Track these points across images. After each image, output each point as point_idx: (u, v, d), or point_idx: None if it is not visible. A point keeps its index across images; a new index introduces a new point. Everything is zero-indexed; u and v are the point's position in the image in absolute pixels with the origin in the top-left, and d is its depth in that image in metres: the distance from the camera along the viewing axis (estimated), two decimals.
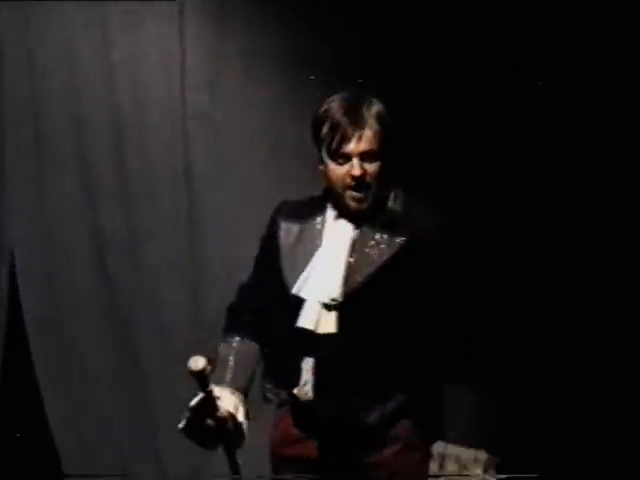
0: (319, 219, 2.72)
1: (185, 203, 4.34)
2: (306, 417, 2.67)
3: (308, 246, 2.69)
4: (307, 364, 2.65)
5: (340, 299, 2.61)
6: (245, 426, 2.70)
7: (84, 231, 4.33)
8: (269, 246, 2.77)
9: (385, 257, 2.62)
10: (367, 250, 2.64)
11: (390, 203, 2.70)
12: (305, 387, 2.65)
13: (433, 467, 2.69)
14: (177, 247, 4.35)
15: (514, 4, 4.05)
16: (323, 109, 2.65)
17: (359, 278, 2.62)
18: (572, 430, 4.00)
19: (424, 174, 3.79)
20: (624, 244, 4.10)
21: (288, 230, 2.73)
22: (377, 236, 2.65)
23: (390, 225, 2.66)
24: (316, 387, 2.63)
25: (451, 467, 2.67)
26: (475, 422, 2.72)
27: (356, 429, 2.63)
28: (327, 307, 2.62)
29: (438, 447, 2.68)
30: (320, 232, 2.71)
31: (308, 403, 2.65)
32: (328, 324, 2.61)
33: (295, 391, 2.65)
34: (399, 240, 2.63)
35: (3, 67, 4.21)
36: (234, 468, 2.68)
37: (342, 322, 2.61)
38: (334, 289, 2.62)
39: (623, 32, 4.01)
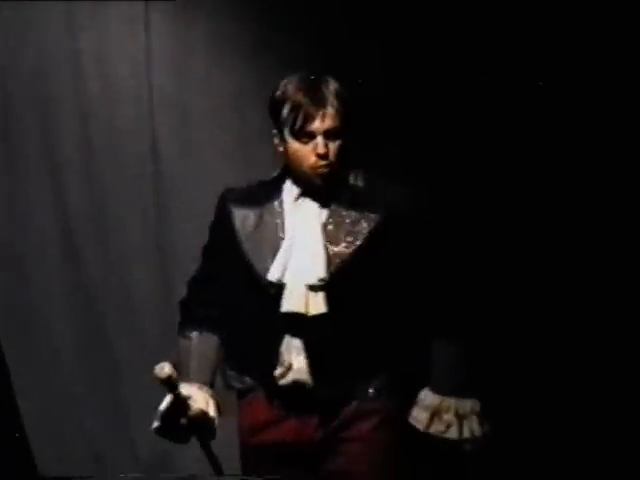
0: (277, 201, 2.74)
1: (151, 187, 4.34)
2: (284, 399, 2.70)
3: (271, 230, 2.71)
4: (288, 347, 2.67)
5: (327, 279, 2.63)
6: (217, 420, 2.76)
7: (51, 213, 4.33)
8: (222, 234, 2.78)
9: (363, 234, 2.66)
10: (343, 228, 2.67)
11: (352, 179, 2.74)
12: (288, 371, 2.67)
13: (425, 416, 2.71)
14: (144, 230, 4.35)
15: (514, 4, 4.05)
16: (280, 91, 2.68)
17: (341, 256, 2.65)
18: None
19: (425, 174, 3.83)
20: (622, 241, 4.08)
21: (244, 216, 2.74)
22: (351, 213, 2.68)
23: (360, 201, 2.70)
24: (311, 369, 2.66)
25: (445, 415, 2.71)
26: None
27: (340, 406, 2.68)
28: (313, 288, 2.64)
29: (434, 400, 2.70)
30: (281, 214, 2.73)
31: (291, 385, 2.67)
32: (317, 305, 2.64)
33: (277, 373, 2.67)
34: (374, 215, 2.68)
35: None
36: (212, 461, 2.72)
37: (329, 301, 2.63)
38: (319, 269, 2.64)
39: (623, 32, 4.00)
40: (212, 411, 2.76)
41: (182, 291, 4.16)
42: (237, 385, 2.78)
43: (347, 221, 2.69)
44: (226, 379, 2.80)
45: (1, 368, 4.27)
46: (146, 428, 4.15)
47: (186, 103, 4.31)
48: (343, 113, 2.65)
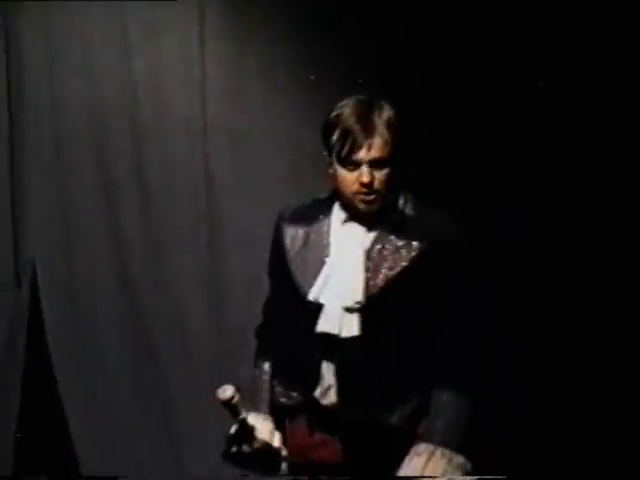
0: (325, 221, 2.75)
1: (205, 214, 4.34)
2: (326, 420, 2.69)
3: (316, 249, 2.72)
4: (328, 367, 2.67)
5: (364, 302, 2.63)
6: (284, 452, 2.77)
7: (105, 242, 4.33)
8: (276, 253, 2.81)
9: (404, 261, 2.66)
10: (385, 254, 2.67)
11: (400, 205, 2.73)
12: (328, 391, 2.67)
13: (420, 462, 2.65)
14: (197, 257, 4.35)
15: (515, 4, 4.04)
16: (334, 114, 2.67)
17: (379, 282, 2.65)
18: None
19: (425, 175, 3.79)
20: (630, 243, 4.09)
21: (294, 234, 2.76)
22: (394, 240, 2.68)
23: (405, 229, 2.69)
24: (339, 390, 2.66)
25: (439, 461, 2.64)
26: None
27: (377, 430, 2.66)
28: (349, 310, 2.64)
29: (428, 447, 2.65)
30: (327, 234, 2.74)
31: (329, 406, 2.67)
32: (351, 327, 2.64)
33: (317, 394, 2.68)
34: (416, 244, 2.67)
35: (24, 77, 4.22)
36: None
37: (363, 325, 2.64)
38: (356, 292, 2.64)
39: (624, 32, 3.99)
40: (277, 442, 2.77)
41: (235, 318, 4.23)
42: (285, 401, 2.77)
43: (390, 248, 2.68)
44: (274, 396, 2.80)
45: (54, 396, 4.26)
46: (196, 454, 4.21)
47: (240, 128, 4.30)
48: (392, 143, 2.64)
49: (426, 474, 2.60)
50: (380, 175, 2.63)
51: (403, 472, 2.63)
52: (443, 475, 2.61)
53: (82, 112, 4.30)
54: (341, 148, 2.63)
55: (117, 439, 4.34)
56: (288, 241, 2.76)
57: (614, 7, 3.98)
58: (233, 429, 2.72)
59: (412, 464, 2.63)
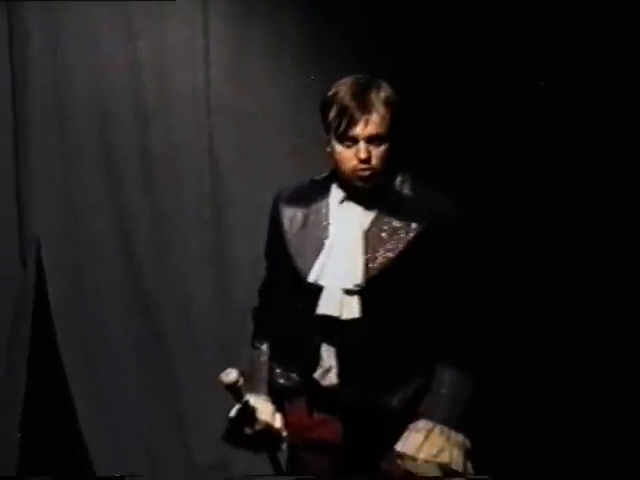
0: (324, 202, 2.75)
1: (210, 193, 4.36)
2: (326, 401, 2.69)
3: (315, 231, 2.72)
4: (328, 349, 2.67)
5: (363, 284, 2.63)
6: (284, 433, 2.78)
7: (110, 221, 4.34)
8: (274, 235, 2.80)
9: (403, 242, 2.66)
10: (384, 235, 2.67)
11: (398, 185, 2.73)
12: (328, 373, 2.67)
13: (418, 439, 2.63)
14: (201, 237, 4.37)
15: (515, 4, 4.04)
16: (332, 92, 2.68)
17: (378, 263, 2.65)
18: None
19: (432, 174, 3.80)
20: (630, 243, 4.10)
21: (292, 216, 2.76)
22: (393, 221, 2.68)
23: (403, 210, 2.69)
24: (339, 372, 2.66)
25: (437, 439, 2.63)
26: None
27: (378, 412, 2.66)
28: (349, 293, 2.64)
29: (427, 424, 2.64)
30: (326, 215, 2.73)
31: (330, 388, 2.68)
32: (351, 309, 2.64)
33: (316, 376, 2.68)
34: (415, 225, 2.67)
35: (28, 55, 4.22)
36: (277, 469, 2.78)
37: (363, 307, 2.64)
38: (356, 274, 2.64)
39: (623, 32, 4.00)
40: (278, 423, 2.78)
41: (241, 299, 4.23)
42: (283, 382, 2.77)
43: (388, 229, 2.68)
44: (272, 376, 2.79)
45: (60, 376, 4.28)
46: (203, 436, 4.22)
47: (244, 108, 4.32)
48: (389, 120, 2.64)
49: (423, 451, 2.60)
50: (377, 152, 2.64)
51: (400, 448, 2.62)
52: (440, 452, 2.60)
53: (87, 93, 4.30)
54: (338, 125, 2.63)
55: (122, 419, 4.35)
56: (286, 222, 2.76)
57: (614, 7, 3.98)
58: (234, 411, 2.73)
59: (409, 441, 2.62)
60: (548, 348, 4.11)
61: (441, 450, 2.60)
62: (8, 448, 4.18)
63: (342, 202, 2.72)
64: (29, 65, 4.21)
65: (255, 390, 2.76)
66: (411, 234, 2.66)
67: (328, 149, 2.72)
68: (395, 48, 4.13)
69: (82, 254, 4.34)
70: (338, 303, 2.64)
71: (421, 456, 2.60)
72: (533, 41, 4.07)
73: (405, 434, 2.65)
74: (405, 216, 2.67)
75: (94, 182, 4.32)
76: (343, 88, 2.66)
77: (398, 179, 2.74)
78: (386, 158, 2.65)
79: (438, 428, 2.63)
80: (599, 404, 4.06)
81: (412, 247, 2.65)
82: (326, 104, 2.68)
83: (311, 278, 2.66)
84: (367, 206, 2.70)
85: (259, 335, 2.88)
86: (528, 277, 4.09)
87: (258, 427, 2.72)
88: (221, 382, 2.61)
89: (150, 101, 4.33)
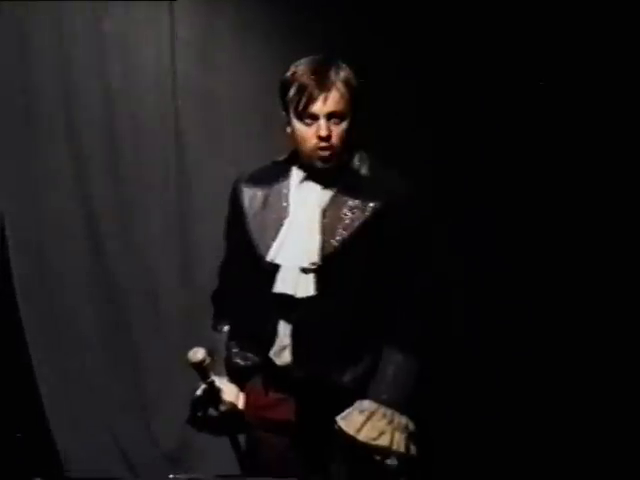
0: (284, 183, 2.76)
1: (175, 174, 4.35)
2: (281, 380, 2.71)
3: (275, 211, 2.73)
4: (285, 328, 2.69)
5: (319, 263, 2.65)
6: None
7: (74, 202, 4.33)
8: (234, 215, 2.82)
9: (359, 221, 2.67)
10: (340, 214, 2.68)
11: (356, 165, 2.74)
12: (283, 351, 2.69)
13: (359, 419, 2.64)
14: (166, 217, 4.37)
15: (515, 4, 4.05)
16: (290, 72, 2.69)
17: (334, 242, 2.66)
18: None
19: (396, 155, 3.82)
20: (622, 240, 4.10)
21: (252, 196, 2.77)
22: (350, 201, 2.69)
23: (361, 189, 2.70)
24: (293, 350, 2.67)
25: (379, 422, 2.65)
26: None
27: (330, 390, 2.67)
28: (305, 271, 2.66)
29: (371, 405, 2.65)
30: (287, 196, 2.75)
31: (284, 366, 2.69)
32: (306, 288, 2.66)
33: (272, 354, 2.69)
34: (372, 205, 2.68)
35: None
36: (238, 452, 2.78)
37: (319, 285, 2.65)
38: (312, 253, 2.66)
39: (623, 32, 4.00)
40: (241, 404, 2.79)
41: (204, 280, 4.22)
42: (240, 362, 2.77)
43: (345, 208, 2.69)
44: (230, 355, 2.80)
45: (24, 358, 4.27)
46: (168, 419, 4.22)
47: (210, 90, 4.31)
48: (349, 98, 2.65)
49: (362, 434, 2.61)
50: (337, 130, 2.64)
51: (341, 424, 2.63)
52: (380, 436, 2.61)
53: (51, 73, 4.28)
54: (298, 102, 2.64)
55: (87, 401, 4.36)
56: (247, 202, 2.77)
57: (614, 7, 3.98)
58: (199, 392, 2.74)
59: (351, 420, 2.63)
60: (541, 345, 4.11)
61: (381, 433, 2.62)
62: None
63: (301, 182, 2.73)
64: None
65: (217, 372, 2.77)
66: (367, 213, 2.67)
67: (288, 130, 2.72)
68: (366, 30, 4.12)
69: (46, 234, 4.33)
70: (294, 281, 2.66)
71: (360, 437, 2.62)
72: (528, 38, 4.07)
73: (349, 410, 2.65)
74: (362, 195, 2.68)
75: (59, 161, 4.31)
76: (301, 67, 2.67)
77: (357, 158, 2.75)
78: (346, 138, 2.66)
79: (381, 410, 2.64)
80: (598, 404, 4.06)
81: (368, 226, 2.67)
82: (285, 84, 2.69)
83: (269, 257, 2.68)
84: (325, 185, 2.71)
85: (219, 317, 2.89)
86: (513, 271, 4.13)
87: (223, 408, 2.73)
88: (188, 361, 2.63)
89: (115, 81, 4.31)
